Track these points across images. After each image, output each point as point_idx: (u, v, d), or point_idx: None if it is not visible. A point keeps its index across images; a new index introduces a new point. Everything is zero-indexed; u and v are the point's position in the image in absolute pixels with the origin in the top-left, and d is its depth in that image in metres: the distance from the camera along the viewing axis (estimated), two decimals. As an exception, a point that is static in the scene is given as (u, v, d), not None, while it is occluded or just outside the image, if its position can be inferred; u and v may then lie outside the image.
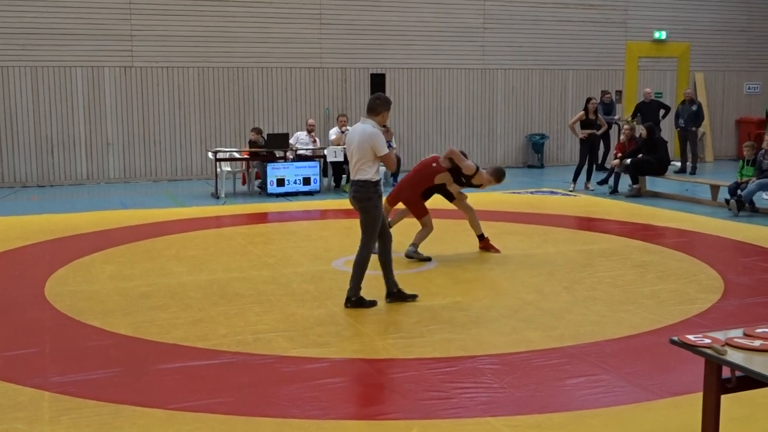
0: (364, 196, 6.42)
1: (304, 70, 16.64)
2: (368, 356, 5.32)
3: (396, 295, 6.66)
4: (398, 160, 15.08)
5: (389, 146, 14.74)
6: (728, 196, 11.63)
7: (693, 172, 16.53)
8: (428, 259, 8.20)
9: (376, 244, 6.69)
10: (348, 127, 14.65)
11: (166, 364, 5.16)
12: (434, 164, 8.58)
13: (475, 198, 12.91)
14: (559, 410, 4.40)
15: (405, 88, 17.46)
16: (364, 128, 6.43)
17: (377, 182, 6.46)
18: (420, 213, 8.42)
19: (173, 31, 15.62)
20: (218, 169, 13.61)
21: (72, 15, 14.97)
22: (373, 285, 6.78)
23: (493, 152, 18.45)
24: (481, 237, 8.76)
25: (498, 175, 8.75)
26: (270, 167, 13.52)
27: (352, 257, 8.35)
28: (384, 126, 6.81)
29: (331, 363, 5.18)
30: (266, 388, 4.75)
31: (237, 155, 14.35)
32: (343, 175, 14.55)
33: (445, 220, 10.53)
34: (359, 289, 6.54)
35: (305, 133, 14.56)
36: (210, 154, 14.22)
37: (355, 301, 6.50)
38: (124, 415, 4.34)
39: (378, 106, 6.51)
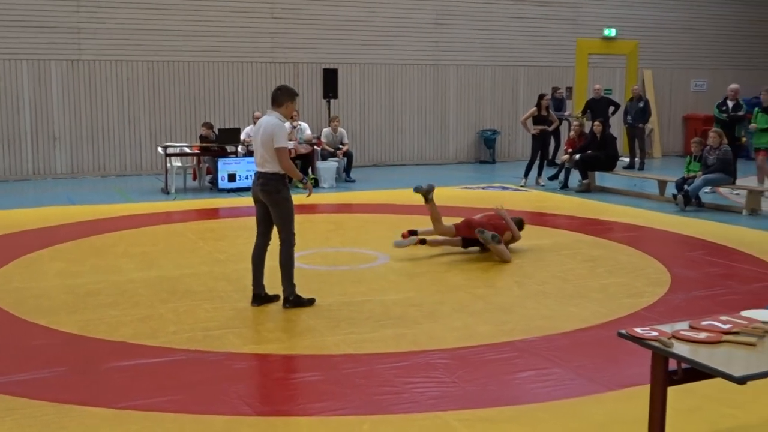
0: (274, 189, 6.26)
1: (255, 64, 16.50)
2: (319, 352, 5.30)
3: (292, 301, 6.38)
4: (350, 155, 15.06)
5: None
6: (675, 192, 11.84)
7: (641, 168, 16.80)
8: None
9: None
10: (300, 122, 14.59)
11: (114, 363, 5.07)
12: (503, 220, 8.52)
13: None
14: (509, 404, 4.43)
15: (358, 83, 17.43)
16: (267, 120, 6.31)
17: (284, 174, 6.31)
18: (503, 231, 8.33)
19: (122, 24, 15.35)
20: (168, 165, 13.42)
21: (17, 6, 14.62)
22: (312, 280, 6.75)
23: (445, 148, 18.53)
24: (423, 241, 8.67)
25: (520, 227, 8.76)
26: (221, 162, 13.39)
27: (303, 253, 8.36)
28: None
29: (283, 359, 5.15)
30: (217, 385, 4.70)
31: (188, 150, 14.18)
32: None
33: (397, 215, 10.56)
34: (294, 286, 6.40)
35: (253, 126, 14.41)
36: (160, 149, 14.03)
37: (293, 300, 6.37)
38: (70, 414, 4.26)
39: (279, 96, 6.37)
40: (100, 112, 15.47)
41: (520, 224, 8.73)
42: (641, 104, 17.18)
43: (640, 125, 17.23)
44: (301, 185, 6.67)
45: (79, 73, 15.22)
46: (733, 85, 14.86)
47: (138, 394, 4.54)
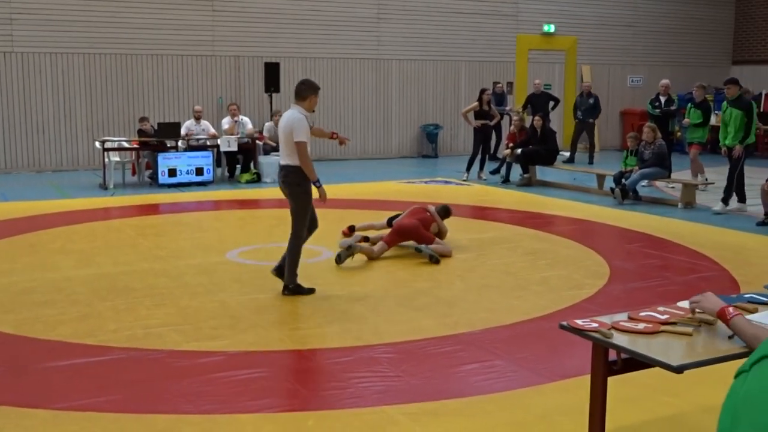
0: (294, 182, 6.38)
1: (195, 58, 16.27)
2: (264, 348, 5.26)
3: (291, 289, 6.53)
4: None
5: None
6: (613, 185, 12.07)
7: (590, 162, 17.05)
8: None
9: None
10: (241, 117, 14.45)
11: (51, 363, 4.95)
12: (427, 213, 8.45)
13: (369, 188, 12.99)
14: (454, 396, 4.46)
15: (300, 77, 17.15)
16: (290, 114, 6.40)
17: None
18: (430, 240, 8.16)
19: (57, 15, 14.97)
20: (106, 159, 13.15)
21: (-55, -4, 14.17)
22: (256, 276, 6.71)
23: (388, 142, 18.56)
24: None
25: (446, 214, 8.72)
26: (161, 157, 13.18)
27: (246, 248, 8.30)
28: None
29: (226, 356, 5.09)
30: (158, 383, 4.63)
31: (126, 145, 13.91)
32: (237, 165, 14.32)
33: (340, 210, 10.53)
34: (295, 276, 6.49)
35: (193, 121, 14.22)
36: (97, 144, 13.74)
37: (292, 288, 6.46)
38: (6, 416, 4.14)
39: (303, 90, 6.45)
40: (35, 106, 15.08)
41: (446, 212, 8.74)
42: (591, 100, 17.45)
43: (590, 120, 17.51)
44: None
45: (11, 65, 14.80)
46: (664, 81, 15.21)
47: (77, 394, 4.44)
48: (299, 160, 6.32)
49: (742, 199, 11.03)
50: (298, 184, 6.39)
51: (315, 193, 6.54)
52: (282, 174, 6.48)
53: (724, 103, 11.13)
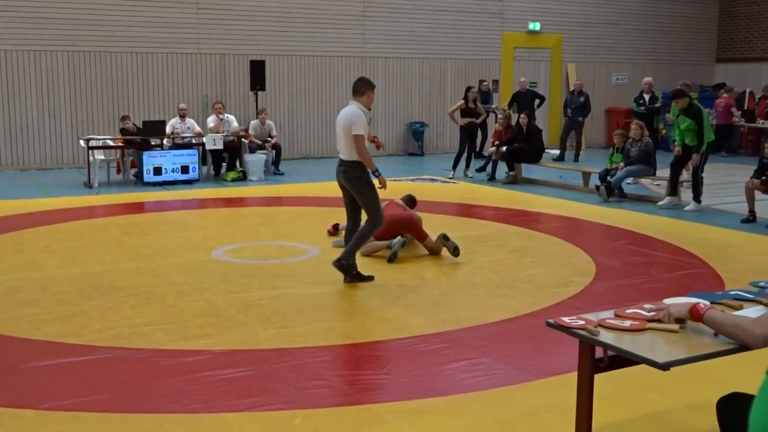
0: (353, 176, 6.63)
1: (180, 56, 16.21)
2: (250, 347, 5.24)
3: (342, 264, 6.74)
4: (279, 148, 14.94)
5: (269, 137, 14.62)
6: (599, 183, 12.11)
7: (576, 160, 17.12)
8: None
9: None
10: (226, 115, 14.40)
11: (36, 362, 4.92)
12: (403, 208, 8.33)
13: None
14: (441, 394, 4.46)
15: (285, 75, 17.29)
16: (348, 109, 6.68)
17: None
18: (424, 236, 8.09)
19: (40, 12, 14.88)
20: (91, 158, 13.08)
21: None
22: (242, 274, 6.68)
23: (374, 140, 18.52)
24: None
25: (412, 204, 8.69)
26: (146, 155, 13.12)
27: (232, 247, 8.28)
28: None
29: (212, 355, 5.07)
30: (144, 383, 4.60)
31: (111, 143, 13.84)
32: (223, 164, 14.28)
33: (326, 208, 10.53)
34: (353, 257, 6.73)
35: (178, 119, 14.16)
36: (82, 142, 13.66)
37: (344, 264, 6.68)
38: (-10, 417, 4.12)
39: (361, 86, 6.73)
40: (18, 104, 14.98)
41: (413, 202, 8.70)
42: (582, 99, 17.50)
43: (580, 119, 17.57)
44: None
45: (-5, 63, 14.70)
46: (647, 78, 15.30)
47: (62, 394, 4.41)
48: (357, 151, 6.59)
49: (696, 197, 11.08)
50: (358, 178, 6.64)
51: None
52: (341, 169, 6.73)
53: (674, 107, 11.27)
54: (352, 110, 6.66)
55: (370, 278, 6.86)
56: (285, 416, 4.16)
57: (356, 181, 6.64)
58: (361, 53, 18.07)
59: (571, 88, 18.29)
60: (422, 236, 8.04)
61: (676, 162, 11.25)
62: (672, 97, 11.20)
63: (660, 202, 11.29)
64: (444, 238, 7.86)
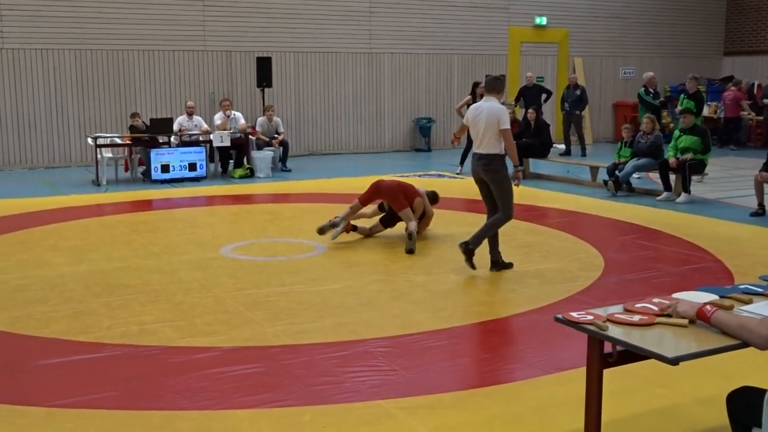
0: (494, 169, 6.83)
1: (187, 53, 16.22)
2: (258, 344, 5.25)
3: (501, 264, 7.09)
4: (286, 144, 14.94)
5: (276, 134, 14.66)
6: (606, 177, 12.08)
7: (584, 154, 17.07)
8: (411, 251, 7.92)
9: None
10: (234, 112, 14.39)
11: (45, 360, 4.94)
12: (417, 188, 8.58)
13: (362, 182, 12.95)
14: (449, 390, 4.45)
15: (292, 71, 17.29)
16: (491, 105, 6.86)
17: (504, 155, 6.89)
18: (402, 206, 8.26)
19: (47, 11, 14.91)
20: (99, 156, 13.11)
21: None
22: (249, 271, 6.67)
23: (381, 136, 18.54)
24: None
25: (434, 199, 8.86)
26: (154, 153, 13.14)
27: (240, 244, 8.29)
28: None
29: (221, 352, 5.08)
30: (153, 380, 4.62)
31: (118, 141, 13.87)
32: (230, 161, 14.29)
33: (334, 204, 10.52)
34: (479, 242, 6.97)
35: (185, 116, 14.16)
36: (90, 140, 13.69)
37: (470, 249, 6.90)
38: None
39: (499, 84, 7.06)
40: (26, 103, 15.02)
41: (435, 197, 8.83)
42: (578, 92, 17.46)
43: (577, 112, 17.52)
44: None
45: (1, 62, 14.73)
46: (650, 73, 15.24)
47: (71, 391, 4.42)
48: (507, 145, 6.85)
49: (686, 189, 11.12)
50: (498, 171, 6.84)
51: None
52: (482, 162, 6.87)
53: (679, 129, 11.52)
54: (496, 106, 6.87)
55: (510, 265, 7.16)
56: (294, 412, 4.16)
57: (496, 173, 6.85)
58: (368, 49, 18.06)
59: (564, 83, 18.25)
60: (399, 206, 8.25)
61: (664, 164, 11.29)
62: (680, 113, 11.61)
63: (658, 197, 11.30)
64: (408, 236, 8.01)
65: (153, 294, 6.43)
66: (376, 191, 8.45)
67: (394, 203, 8.32)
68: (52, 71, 15.14)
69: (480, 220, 9.69)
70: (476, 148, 6.97)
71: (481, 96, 14.29)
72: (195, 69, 16.32)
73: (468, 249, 6.93)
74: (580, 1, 20.56)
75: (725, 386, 3.36)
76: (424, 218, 8.63)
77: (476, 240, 6.97)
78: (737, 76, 21.03)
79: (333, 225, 8.28)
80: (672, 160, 11.14)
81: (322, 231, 8.24)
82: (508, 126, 6.81)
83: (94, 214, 10.27)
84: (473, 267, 6.99)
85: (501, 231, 9.01)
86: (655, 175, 13.41)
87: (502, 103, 7.31)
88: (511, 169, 6.97)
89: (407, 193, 8.42)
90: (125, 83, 15.74)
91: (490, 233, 7.06)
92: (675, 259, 7.83)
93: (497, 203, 7.01)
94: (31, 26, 14.84)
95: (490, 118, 6.79)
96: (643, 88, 14.86)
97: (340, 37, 17.68)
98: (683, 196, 11.00)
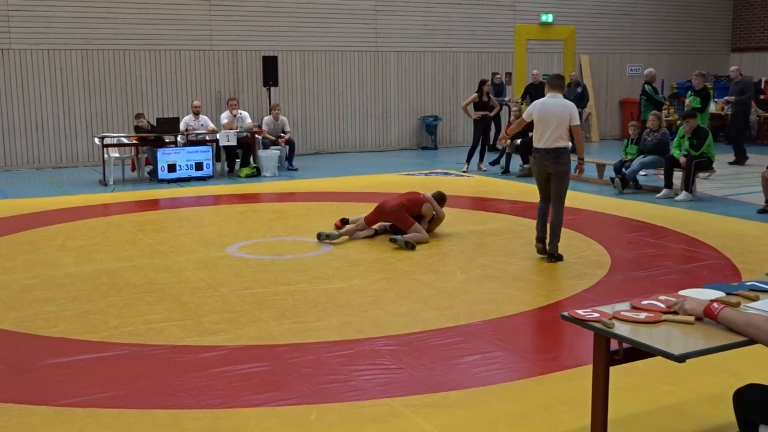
0: (564, 161, 7.22)
1: (193, 52, 16.24)
2: (265, 342, 5.26)
3: (557, 257, 7.39)
4: (292, 143, 14.95)
5: (282, 133, 14.68)
6: (613, 175, 12.05)
7: (589, 151, 17.03)
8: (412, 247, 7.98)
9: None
10: (240, 111, 14.39)
11: (53, 359, 4.96)
12: (421, 195, 8.59)
13: (369, 180, 12.98)
14: (455, 388, 4.46)
15: (298, 70, 17.29)
16: (562, 102, 7.27)
17: (569, 149, 7.34)
18: (408, 224, 8.30)
19: (54, 11, 14.95)
20: (106, 156, 13.14)
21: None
22: (256, 270, 6.67)
23: (387, 134, 18.53)
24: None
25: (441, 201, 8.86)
26: (160, 152, 13.16)
27: (247, 243, 8.30)
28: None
29: (227, 351, 5.09)
30: (160, 379, 4.63)
31: (125, 141, 13.90)
32: (237, 160, 14.31)
33: (340, 203, 10.54)
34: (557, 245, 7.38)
35: (192, 116, 14.17)
36: (97, 140, 13.73)
37: (557, 256, 7.33)
38: (8, 413, 4.14)
39: (563, 82, 7.57)
40: (33, 103, 15.06)
41: (442, 198, 8.80)
42: (579, 89, 17.42)
43: (578, 110, 17.45)
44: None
45: (9, 62, 14.78)
46: (651, 70, 15.17)
47: (79, 390, 4.44)
48: (578, 140, 7.30)
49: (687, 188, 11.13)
50: (566, 163, 7.25)
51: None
52: (553, 156, 7.19)
53: (680, 131, 11.55)
54: (567, 102, 7.30)
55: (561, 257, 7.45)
56: (300, 411, 4.17)
57: (564, 166, 7.23)
58: (374, 48, 18.05)
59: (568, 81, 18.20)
60: (406, 225, 8.28)
61: (670, 161, 11.29)
62: (683, 117, 11.57)
63: (657, 194, 11.26)
64: (391, 240, 8.12)
65: (160, 293, 6.44)
66: (380, 214, 8.46)
67: (400, 224, 8.32)
68: (59, 71, 15.18)
69: (484, 218, 9.72)
70: (542, 143, 7.26)
71: (488, 94, 14.43)
72: (201, 68, 16.34)
73: (556, 256, 7.35)
74: (586, -1, 20.52)
75: (732, 383, 3.36)
76: (434, 220, 8.64)
77: (555, 244, 7.38)
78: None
79: (328, 237, 8.30)
80: (682, 159, 11.12)
81: (319, 237, 8.30)
82: (579, 122, 7.29)
83: (101, 213, 10.30)
84: (561, 258, 7.39)
85: (507, 228, 9.03)
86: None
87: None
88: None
89: (412, 205, 8.42)
90: (132, 83, 15.77)
91: (560, 230, 7.41)
92: (682, 256, 7.81)
93: (552, 193, 7.37)
94: (38, 27, 14.87)
95: (562, 114, 7.18)
96: (648, 86, 14.82)
97: (345, 36, 17.68)
98: (683, 194, 10.95)
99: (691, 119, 11.27)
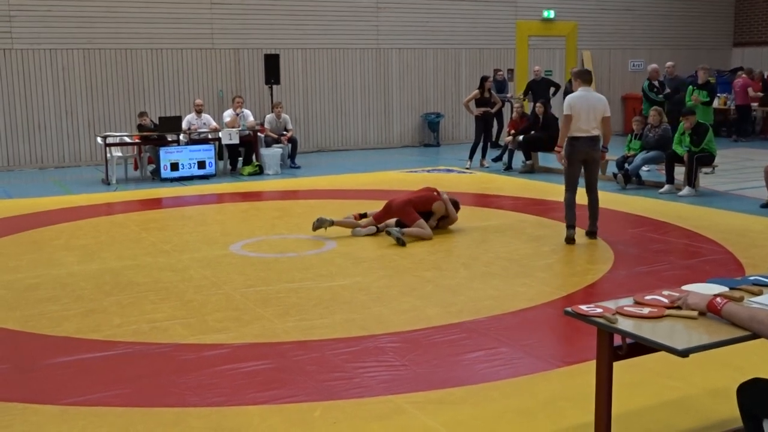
0: (599, 148, 8.00)
1: (195, 51, 16.25)
2: (269, 340, 5.27)
3: (594, 234, 8.14)
4: (295, 141, 14.96)
5: (285, 131, 14.68)
6: (616, 170, 12.04)
7: None
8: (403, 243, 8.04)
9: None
10: (243, 109, 14.38)
11: (57, 358, 4.97)
12: (435, 193, 8.66)
13: (371, 178, 12.98)
14: (459, 384, 4.46)
15: (300, 68, 17.30)
16: (598, 95, 8.02)
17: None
18: (412, 219, 8.36)
19: (56, 11, 14.96)
20: (108, 155, 13.16)
21: (-57, -5, 14.13)
22: (259, 268, 6.66)
23: (389, 132, 18.53)
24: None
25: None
26: (163, 151, 13.17)
27: (250, 241, 8.31)
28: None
29: (231, 349, 5.10)
30: (164, 377, 4.64)
31: (128, 140, 13.91)
32: (239, 158, 14.31)
33: (342, 200, 10.54)
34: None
35: (194, 115, 14.17)
36: (99, 139, 13.75)
37: (595, 232, 8.12)
38: (13, 412, 4.15)
39: (592, 77, 8.27)
40: (36, 103, 15.08)
41: (456, 206, 8.82)
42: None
43: None
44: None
45: (11, 62, 14.80)
46: (653, 65, 15.13)
47: (83, 389, 4.45)
48: (608, 130, 8.00)
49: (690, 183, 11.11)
50: (600, 150, 8.04)
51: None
52: (594, 143, 7.95)
53: (681, 127, 11.46)
54: (600, 96, 8.02)
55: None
56: (305, 408, 4.17)
57: (599, 152, 8.06)
58: (376, 45, 18.05)
59: (569, 77, 18.17)
60: (410, 220, 8.36)
61: (672, 157, 11.30)
62: (682, 114, 11.52)
63: (660, 190, 11.27)
64: (387, 233, 8.18)
65: (163, 292, 6.45)
66: (388, 211, 8.55)
67: (405, 219, 8.40)
68: (61, 71, 15.19)
69: (487, 215, 9.72)
70: (585, 132, 7.86)
71: (489, 90, 14.41)
72: (203, 67, 16.35)
73: (595, 233, 8.15)
74: (588, -6, 20.49)
75: (736, 378, 3.35)
76: (446, 219, 8.67)
77: (595, 223, 8.16)
78: (747, 67, 20.90)
79: (321, 224, 8.38)
80: (686, 156, 11.11)
81: (314, 227, 8.41)
82: (610, 113, 8.00)
83: (104, 213, 10.31)
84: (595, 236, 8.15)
85: (510, 224, 9.03)
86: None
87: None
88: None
89: (422, 202, 8.48)
90: (134, 82, 15.78)
91: (598, 209, 8.16)
92: (685, 251, 7.81)
93: (589, 178, 8.12)
94: (40, 26, 14.89)
95: (601, 106, 7.90)
96: (647, 82, 14.80)
97: (347, 34, 17.67)
98: (686, 190, 10.94)
99: (690, 116, 11.25)
